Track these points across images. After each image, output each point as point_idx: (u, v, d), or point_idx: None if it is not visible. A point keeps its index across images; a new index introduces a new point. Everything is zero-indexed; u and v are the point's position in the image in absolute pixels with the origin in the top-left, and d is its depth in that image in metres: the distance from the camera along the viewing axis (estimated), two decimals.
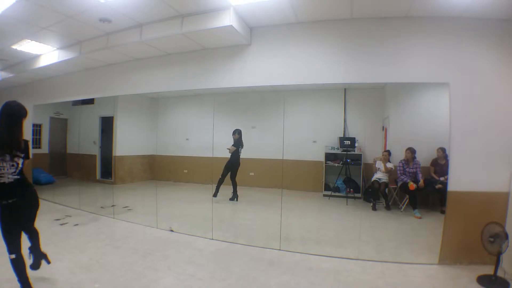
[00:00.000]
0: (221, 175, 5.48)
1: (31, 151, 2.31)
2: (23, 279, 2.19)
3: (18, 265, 2.17)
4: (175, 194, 6.62)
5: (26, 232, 2.43)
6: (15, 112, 2.16)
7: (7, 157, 2.08)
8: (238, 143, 5.56)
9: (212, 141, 5.31)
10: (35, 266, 2.55)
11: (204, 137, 5.35)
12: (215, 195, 5.41)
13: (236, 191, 5.59)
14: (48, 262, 2.61)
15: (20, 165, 2.17)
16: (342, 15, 3.34)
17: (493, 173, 3.00)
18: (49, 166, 6.93)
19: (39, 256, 2.57)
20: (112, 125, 6.58)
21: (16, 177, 2.16)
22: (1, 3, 3.24)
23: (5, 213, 2.12)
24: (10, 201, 2.12)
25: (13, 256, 2.15)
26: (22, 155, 2.18)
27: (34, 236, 2.52)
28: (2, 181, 2.09)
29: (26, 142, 2.24)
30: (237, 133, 5.58)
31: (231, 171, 5.53)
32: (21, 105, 2.22)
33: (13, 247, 2.17)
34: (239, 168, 5.63)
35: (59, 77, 5.85)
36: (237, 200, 5.57)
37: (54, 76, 5.89)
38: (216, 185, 5.43)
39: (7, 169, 2.10)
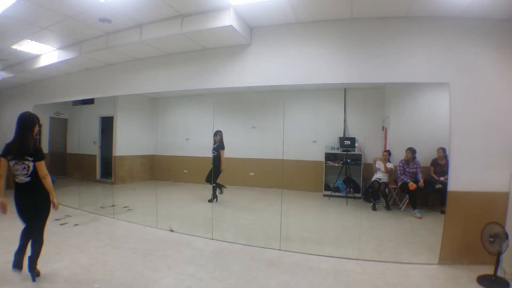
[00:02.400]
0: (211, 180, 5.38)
1: (42, 154, 2.57)
2: (21, 248, 2.52)
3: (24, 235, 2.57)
4: (175, 194, 6.62)
5: (31, 233, 2.56)
6: (25, 123, 2.50)
7: (19, 161, 2.44)
8: (222, 145, 5.38)
9: (212, 141, 5.31)
10: (30, 270, 2.53)
11: (204, 137, 5.35)
12: (211, 200, 5.32)
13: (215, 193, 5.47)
14: (33, 280, 2.50)
15: (31, 168, 2.48)
16: (342, 15, 3.34)
17: (493, 173, 3.00)
18: (49, 166, 6.83)
19: (33, 270, 2.53)
20: (112, 125, 6.57)
21: (27, 179, 2.48)
22: (1, 3, 3.24)
23: (17, 204, 2.53)
24: (21, 196, 2.51)
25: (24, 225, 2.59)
26: (31, 158, 2.48)
27: (36, 243, 2.55)
28: (17, 180, 2.49)
29: (38, 148, 2.56)
30: (219, 135, 5.39)
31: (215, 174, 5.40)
32: (32, 115, 2.57)
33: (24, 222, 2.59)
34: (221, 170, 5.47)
35: (59, 77, 5.85)
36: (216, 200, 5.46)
37: (54, 76, 5.89)
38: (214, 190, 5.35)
39: (20, 171, 2.46)
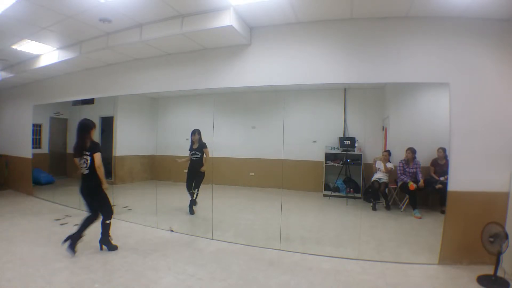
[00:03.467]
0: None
1: (97, 147, 3.17)
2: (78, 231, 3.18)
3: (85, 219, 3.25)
4: (175, 194, 6.62)
5: (93, 218, 3.27)
6: (81, 127, 3.19)
7: (81, 157, 3.13)
8: (204, 143, 4.90)
9: (212, 141, 5.30)
10: (103, 242, 3.32)
11: (204, 137, 5.33)
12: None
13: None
14: (109, 249, 3.31)
15: (89, 161, 3.11)
16: (342, 15, 3.34)
17: (493, 173, 3.00)
18: (49, 166, 6.92)
19: (105, 242, 3.32)
20: (112, 125, 6.57)
21: (87, 171, 3.13)
22: (1, 3, 3.24)
23: (80, 191, 3.23)
24: (82, 184, 3.20)
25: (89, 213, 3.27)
26: (89, 153, 3.11)
27: (104, 217, 3.31)
28: (82, 171, 3.17)
29: (94, 143, 3.17)
30: (198, 133, 4.90)
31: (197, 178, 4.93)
32: (87, 122, 3.24)
33: (89, 209, 3.27)
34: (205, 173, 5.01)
35: (59, 77, 5.85)
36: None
37: (54, 76, 5.89)
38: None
39: (82, 165, 3.14)
